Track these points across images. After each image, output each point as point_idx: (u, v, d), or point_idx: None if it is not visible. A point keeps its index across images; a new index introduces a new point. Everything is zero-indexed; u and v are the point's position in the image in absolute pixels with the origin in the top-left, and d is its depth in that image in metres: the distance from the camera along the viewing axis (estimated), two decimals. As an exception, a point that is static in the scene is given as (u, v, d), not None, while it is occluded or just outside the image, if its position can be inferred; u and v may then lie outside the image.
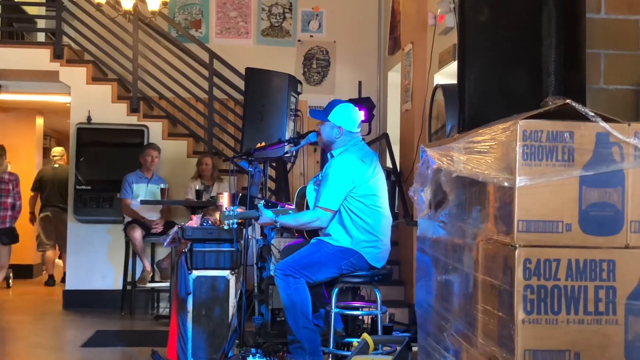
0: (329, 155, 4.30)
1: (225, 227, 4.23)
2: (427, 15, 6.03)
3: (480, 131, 2.69)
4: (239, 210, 4.31)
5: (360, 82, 8.47)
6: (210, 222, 4.89)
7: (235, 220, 4.25)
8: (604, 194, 2.38)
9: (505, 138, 2.44)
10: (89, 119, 7.53)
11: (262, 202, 4.46)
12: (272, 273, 4.65)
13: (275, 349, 4.49)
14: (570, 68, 3.10)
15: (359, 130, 4.29)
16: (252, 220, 4.38)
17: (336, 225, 4.16)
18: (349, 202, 4.13)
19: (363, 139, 4.41)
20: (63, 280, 8.08)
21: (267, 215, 4.20)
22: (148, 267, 7.03)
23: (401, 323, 5.87)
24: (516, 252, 2.33)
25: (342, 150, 4.22)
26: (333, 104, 4.28)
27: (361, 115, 4.38)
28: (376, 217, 4.17)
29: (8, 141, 9.49)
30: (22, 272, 8.80)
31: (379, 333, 4.16)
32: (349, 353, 3.85)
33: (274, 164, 7.00)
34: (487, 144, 2.60)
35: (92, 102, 7.56)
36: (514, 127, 2.37)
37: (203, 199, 6.57)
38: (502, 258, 2.45)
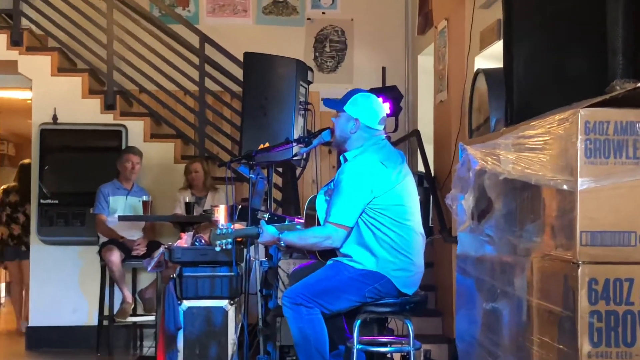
0: (341, 159, 4.30)
1: (217, 249, 4.21)
2: (464, -16, 6.10)
3: (533, 123, 2.73)
4: (235, 227, 4.32)
5: (384, 69, 8.41)
6: (203, 241, 4.87)
7: (230, 241, 4.23)
8: (686, 198, 2.41)
9: (563, 131, 2.46)
10: (54, 118, 7.55)
11: (267, 215, 4.47)
12: (279, 302, 4.59)
13: (285, 395, 4.51)
14: (642, 46, 3.08)
15: (381, 127, 4.28)
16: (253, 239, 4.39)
17: (356, 244, 4.14)
18: (370, 215, 4.12)
19: (388, 138, 4.40)
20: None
21: (269, 232, 4.19)
22: (129, 297, 6.99)
23: (439, 362, 5.85)
24: (579, 271, 2.33)
25: (359, 153, 4.21)
26: (351, 93, 4.30)
27: (385, 108, 4.39)
28: (405, 233, 4.14)
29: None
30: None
31: (413, 374, 4.11)
32: (375, 398, 3.82)
33: (280, 170, 6.96)
34: (541, 138, 2.61)
35: (59, 97, 7.57)
36: (574, 118, 2.39)
37: (194, 214, 6.55)
38: (561, 278, 2.46)
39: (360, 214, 4.10)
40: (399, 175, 4.16)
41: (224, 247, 4.17)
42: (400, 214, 4.13)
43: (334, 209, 4.08)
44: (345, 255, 4.15)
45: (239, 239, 4.74)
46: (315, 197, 4.42)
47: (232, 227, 4.24)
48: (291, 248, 4.39)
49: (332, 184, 4.26)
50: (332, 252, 4.24)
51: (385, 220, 4.10)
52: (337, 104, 4.27)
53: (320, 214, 4.25)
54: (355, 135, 4.21)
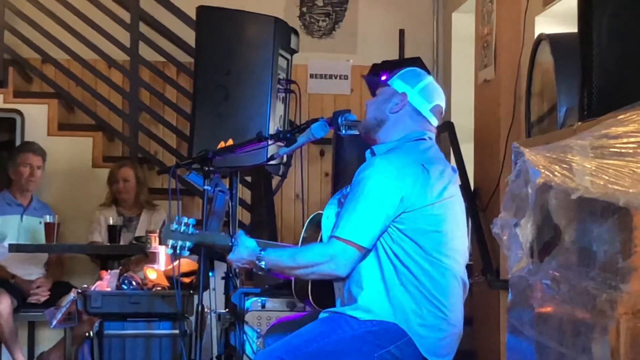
0: (367, 154, 4.22)
1: (169, 251, 4.18)
2: None
3: (622, 117, 2.84)
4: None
5: (402, 32, 8.03)
6: (134, 283, 4.97)
7: (189, 245, 4.22)
8: None
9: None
10: None
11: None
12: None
13: None
14: None
15: (434, 121, 4.22)
16: (214, 263, 4.81)
17: (367, 282, 3.98)
18: (394, 238, 3.96)
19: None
20: None
21: (247, 245, 4.14)
22: (24, 363, 6.92)
23: None
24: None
25: (393, 147, 4.13)
26: (407, 69, 4.33)
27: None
28: (439, 274, 3.98)
29: None
30: None
31: None
32: None
33: (248, 179, 7.14)
34: (633, 139, 2.73)
35: None
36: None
37: (122, 242, 6.59)
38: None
39: (382, 233, 3.97)
40: (445, 189, 4.05)
41: (177, 252, 4.18)
42: (435, 245, 4.00)
43: (345, 219, 3.99)
44: (350, 301, 4.02)
45: (187, 278, 4.96)
46: (318, 215, 4.36)
47: (194, 228, 4.25)
48: (275, 273, 4.27)
49: (348, 188, 4.18)
50: (329, 298, 4.16)
51: (413, 250, 3.97)
52: (380, 81, 4.34)
53: (326, 228, 4.22)
54: (395, 117, 4.18)
